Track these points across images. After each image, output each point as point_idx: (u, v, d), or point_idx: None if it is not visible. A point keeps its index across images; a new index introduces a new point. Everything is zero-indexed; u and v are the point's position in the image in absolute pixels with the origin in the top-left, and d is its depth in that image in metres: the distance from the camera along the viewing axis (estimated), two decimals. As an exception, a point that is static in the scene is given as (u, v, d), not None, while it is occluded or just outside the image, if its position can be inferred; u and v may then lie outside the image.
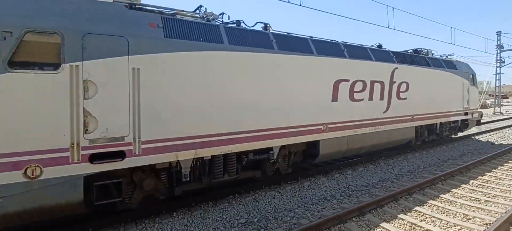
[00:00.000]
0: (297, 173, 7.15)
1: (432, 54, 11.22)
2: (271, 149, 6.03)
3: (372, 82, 8.02)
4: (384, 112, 8.37)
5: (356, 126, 7.55)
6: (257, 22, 6.45)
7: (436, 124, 10.56)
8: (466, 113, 11.75)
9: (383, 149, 9.08)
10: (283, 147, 6.36)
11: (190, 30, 5.12)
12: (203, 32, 5.26)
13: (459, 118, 11.55)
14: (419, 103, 9.50)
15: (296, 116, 6.30)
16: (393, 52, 9.26)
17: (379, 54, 8.61)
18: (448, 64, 11.29)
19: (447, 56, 12.83)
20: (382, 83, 8.29)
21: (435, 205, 5.63)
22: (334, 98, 7.06)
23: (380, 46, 9.13)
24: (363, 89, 7.76)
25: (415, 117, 9.37)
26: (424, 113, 9.74)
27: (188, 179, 5.11)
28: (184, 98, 4.85)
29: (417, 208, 5.48)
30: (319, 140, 6.80)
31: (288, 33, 6.81)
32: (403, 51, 10.32)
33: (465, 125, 12.25)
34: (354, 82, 7.53)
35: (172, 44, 4.76)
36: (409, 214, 5.28)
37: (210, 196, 5.79)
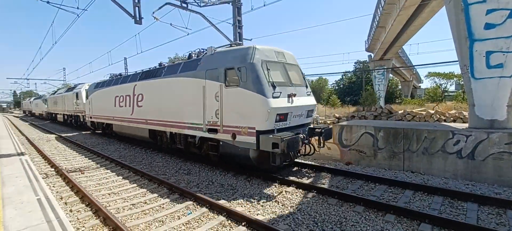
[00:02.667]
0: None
1: (214, 50, 8.93)
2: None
3: (124, 97, 13.32)
4: (131, 114, 12.91)
5: (120, 120, 13.97)
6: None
7: (167, 132, 10.34)
8: (212, 130, 8.34)
9: (140, 139, 12.91)
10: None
11: None
12: None
13: (197, 133, 8.87)
14: (151, 111, 11.38)
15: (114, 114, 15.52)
16: (143, 72, 12.28)
17: (133, 77, 12.96)
18: (187, 66, 9.33)
19: (231, 45, 8.69)
20: (129, 96, 12.95)
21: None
22: (116, 106, 14.54)
23: (158, 66, 12.68)
24: (122, 101, 13.63)
25: (148, 121, 11.60)
26: (154, 119, 11.11)
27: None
28: None
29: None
30: (112, 124, 15.11)
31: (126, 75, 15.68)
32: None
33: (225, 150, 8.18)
34: (116, 97, 13.98)
35: None
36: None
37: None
